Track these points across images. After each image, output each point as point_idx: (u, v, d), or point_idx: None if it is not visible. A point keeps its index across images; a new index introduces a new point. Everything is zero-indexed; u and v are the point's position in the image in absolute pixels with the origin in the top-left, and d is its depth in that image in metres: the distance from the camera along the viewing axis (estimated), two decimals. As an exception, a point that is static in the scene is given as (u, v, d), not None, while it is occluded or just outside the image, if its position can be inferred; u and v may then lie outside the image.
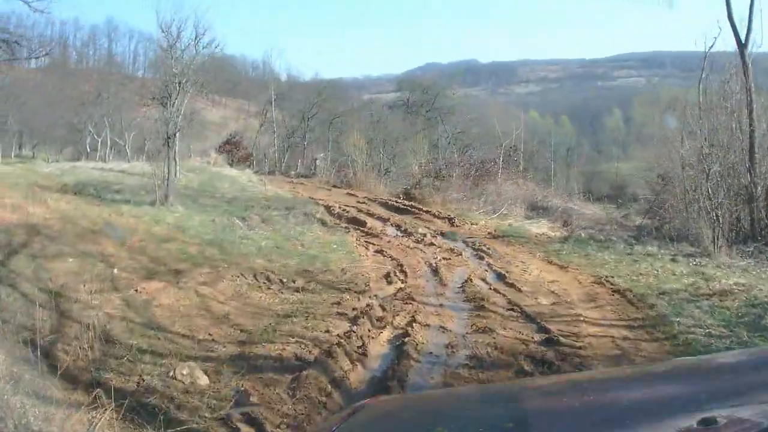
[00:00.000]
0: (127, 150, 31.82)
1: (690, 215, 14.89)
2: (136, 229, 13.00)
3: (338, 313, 8.58)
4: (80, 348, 6.56)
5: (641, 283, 10.73)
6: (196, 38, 17.36)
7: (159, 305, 8.54)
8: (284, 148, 43.22)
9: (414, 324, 8.04)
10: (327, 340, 7.24)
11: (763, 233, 14.43)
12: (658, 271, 11.64)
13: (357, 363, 6.74)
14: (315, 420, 5.24)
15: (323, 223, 17.06)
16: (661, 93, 50.47)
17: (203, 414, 5.22)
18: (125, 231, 12.43)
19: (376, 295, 9.83)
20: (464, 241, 15.75)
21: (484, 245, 14.94)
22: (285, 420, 5.24)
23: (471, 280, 11.05)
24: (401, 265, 12.27)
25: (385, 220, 18.71)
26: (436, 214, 20.25)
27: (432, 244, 15.24)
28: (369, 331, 7.84)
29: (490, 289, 10.46)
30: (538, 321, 8.37)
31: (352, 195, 24.70)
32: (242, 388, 5.66)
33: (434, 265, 12.53)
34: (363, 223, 17.70)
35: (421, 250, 14.43)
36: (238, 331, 7.73)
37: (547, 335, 7.69)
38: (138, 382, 5.78)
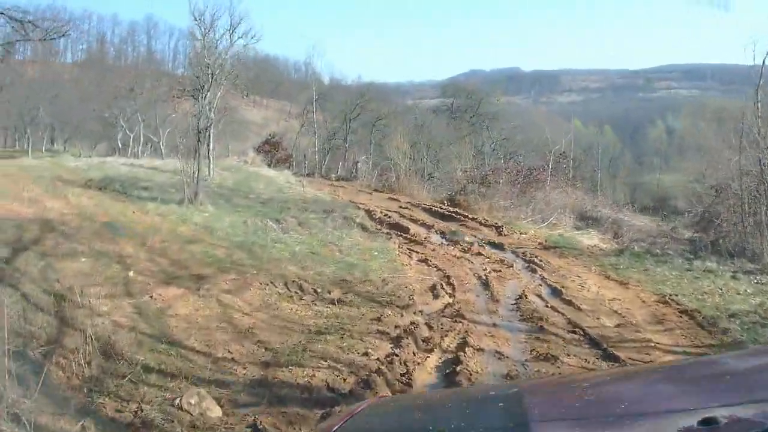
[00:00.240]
0: (162, 147, 31.63)
1: (746, 229, 14.60)
2: (159, 228, 12.39)
3: (378, 332, 7.84)
4: (77, 363, 5.82)
5: (708, 303, 10.12)
6: (231, 27, 16.80)
7: (175, 315, 7.80)
8: (325, 150, 42.90)
9: (466, 348, 7.24)
10: (365, 366, 6.42)
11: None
12: (722, 289, 11.09)
13: (400, 397, 5.84)
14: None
15: (363, 228, 16.34)
16: (708, 104, 50.79)
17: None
18: (147, 230, 11.80)
19: (421, 311, 9.08)
20: (514, 252, 15.09)
21: (536, 256, 14.31)
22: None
23: (525, 295, 10.36)
24: (448, 277, 11.57)
25: (429, 227, 18.06)
26: (483, 221, 19.59)
27: (480, 253, 14.59)
28: (414, 354, 7.04)
29: (547, 306, 9.74)
30: (605, 347, 7.62)
31: (394, 199, 24.16)
32: (260, 426, 4.79)
33: (484, 277, 11.87)
34: (406, 230, 17.06)
35: (469, 260, 13.77)
36: (263, 350, 6.93)
37: (617, 365, 6.92)
38: (136, 412, 4.98)
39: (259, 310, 8.51)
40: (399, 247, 14.61)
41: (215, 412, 5.02)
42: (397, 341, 7.41)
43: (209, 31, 16.57)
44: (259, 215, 15.58)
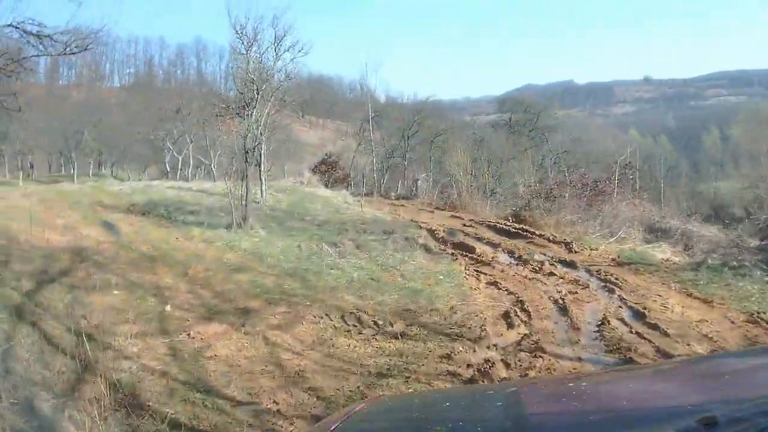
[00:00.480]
0: (213, 169, 31.49)
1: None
2: (203, 256, 11.73)
3: (449, 372, 6.99)
4: (92, 418, 5.05)
5: (798, 321, 9.56)
6: (276, 40, 16.20)
7: (214, 356, 7.01)
8: (383, 169, 42.53)
9: (551, 391, 6.11)
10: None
11: None
12: (807, 301, 10.70)
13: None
14: None
15: (427, 249, 15.46)
16: (761, 109, 52.05)
17: None
18: (190, 258, 11.14)
19: (495, 345, 8.15)
20: (587, 270, 14.27)
21: (611, 274, 13.47)
22: None
23: (607, 320, 9.48)
24: (521, 301, 10.66)
25: (495, 245, 17.16)
26: (551, 238, 18.69)
27: (552, 273, 13.75)
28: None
29: (632, 332, 8.91)
30: (702, 381, 6.41)
31: (457, 217, 23.37)
32: None
33: (560, 300, 10.99)
34: (471, 249, 16.16)
35: (541, 280, 12.92)
36: (314, 399, 6.04)
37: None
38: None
39: (311, 349, 7.65)
40: (465, 268, 13.73)
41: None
42: (470, 384, 6.48)
43: (252, 44, 15.96)
44: (315, 239, 14.85)
